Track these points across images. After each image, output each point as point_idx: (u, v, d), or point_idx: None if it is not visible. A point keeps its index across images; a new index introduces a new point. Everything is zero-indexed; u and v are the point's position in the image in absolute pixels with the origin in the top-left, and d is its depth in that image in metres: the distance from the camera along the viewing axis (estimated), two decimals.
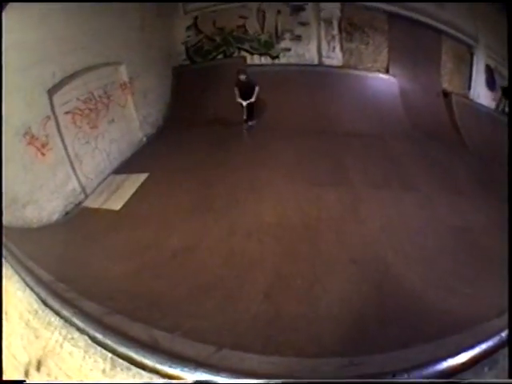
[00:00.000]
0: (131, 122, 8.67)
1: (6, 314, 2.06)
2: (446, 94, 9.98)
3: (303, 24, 9.98)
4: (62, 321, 1.90)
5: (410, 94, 9.86)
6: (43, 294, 2.03)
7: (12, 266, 2.28)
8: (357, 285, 3.67)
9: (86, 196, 6.87)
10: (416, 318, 3.00)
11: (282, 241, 4.73)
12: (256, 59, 10.36)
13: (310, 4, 9.82)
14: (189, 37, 10.48)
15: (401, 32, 9.92)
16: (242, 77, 8.81)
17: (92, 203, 6.60)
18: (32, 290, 2.07)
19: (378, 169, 6.99)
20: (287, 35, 10.10)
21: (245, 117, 8.90)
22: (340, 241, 4.80)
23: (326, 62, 9.99)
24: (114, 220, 5.86)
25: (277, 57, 10.22)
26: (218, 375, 1.60)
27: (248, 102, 8.76)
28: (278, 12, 10.01)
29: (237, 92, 8.81)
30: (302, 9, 9.88)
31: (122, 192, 6.71)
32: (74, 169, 6.80)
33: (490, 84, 10.16)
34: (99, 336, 1.78)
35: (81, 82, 7.17)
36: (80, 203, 6.70)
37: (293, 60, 10.13)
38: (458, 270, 4.35)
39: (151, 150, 8.36)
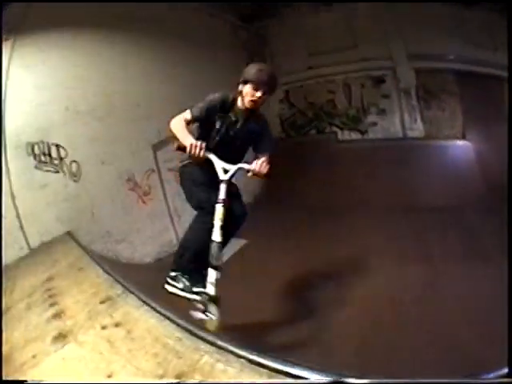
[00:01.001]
0: None
1: (129, 332, 2.26)
2: None
3: (385, 96, 10.32)
4: (213, 347, 2.10)
5: (487, 157, 9.48)
6: (191, 326, 2.28)
7: (138, 297, 2.59)
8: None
9: None
10: None
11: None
12: (346, 135, 10.76)
13: (389, 75, 10.18)
14: (283, 109, 11.24)
15: (470, 91, 9.86)
16: None
17: None
18: (171, 320, 2.33)
19: (456, 242, 6.76)
20: (373, 109, 10.44)
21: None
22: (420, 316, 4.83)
23: (410, 134, 10.17)
24: None
25: (365, 131, 10.54)
26: None
27: None
28: (362, 86, 10.47)
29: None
30: (382, 81, 10.28)
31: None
32: (172, 221, 7.15)
33: None
34: (255, 357, 1.98)
35: None
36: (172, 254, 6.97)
37: (380, 135, 10.41)
38: None
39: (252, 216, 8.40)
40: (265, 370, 1.91)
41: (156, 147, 6.89)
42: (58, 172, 5.69)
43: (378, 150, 9.99)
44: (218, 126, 3.41)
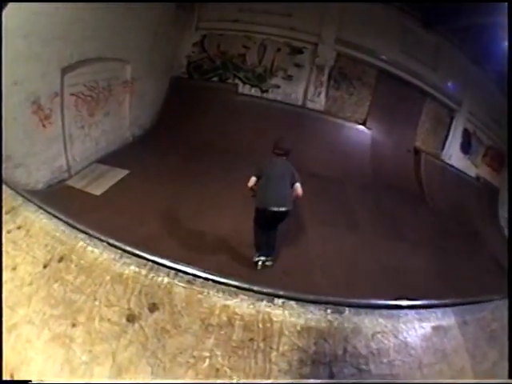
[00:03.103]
0: (123, 119, 8.97)
1: (28, 232, 2.64)
2: (417, 152, 10.92)
3: (298, 65, 10.73)
4: (86, 235, 2.58)
5: (382, 147, 10.68)
6: (71, 221, 2.68)
7: (36, 204, 2.87)
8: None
9: (70, 176, 7.11)
10: None
11: (229, 251, 5.60)
12: (247, 89, 11.06)
13: (308, 49, 10.60)
14: (193, 52, 11.16)
15: (386, 89, 10.79)
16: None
17: (75, 184, 6.90)
18: (59, 218, 2.72)
19: (328, 209, 7.68)
20: (280, 73, 10.84)
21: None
22: (279, 258, 5.59)
23: (309, 105, 10.77)
24: (94, 203, 6.29)
25: (266, 91, 10.92)
26: None
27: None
28: (278, 49, 10.76)
29: None
30: (300, 51, 10.67)
31: (104, 181, 7.11)
32: (65, 148, 7.03)
33: (465, 147, 11.34)
34: (113, 241, 2.52)
35: (91, 69, 7.38)
36: (63, 180, 6.90)
37: (279, 97, 10.86)
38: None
39: (135, 149, 8.86)
40: (119, 251, 2.48)
41: (65, 70, 6.66)
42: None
43: (274, 110, 10.48)
44: None
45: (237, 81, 11.12)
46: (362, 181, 9.57)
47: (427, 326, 2.39)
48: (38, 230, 2.67)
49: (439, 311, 2.49)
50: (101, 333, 2.18)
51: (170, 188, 7.19)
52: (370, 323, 2.31)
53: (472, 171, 11.49)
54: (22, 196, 2.97)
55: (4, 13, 3.99)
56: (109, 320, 2.21)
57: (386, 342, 2.27)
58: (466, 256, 7.54)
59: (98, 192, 6.76)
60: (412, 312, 2.42)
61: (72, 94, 7.06)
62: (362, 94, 10.92)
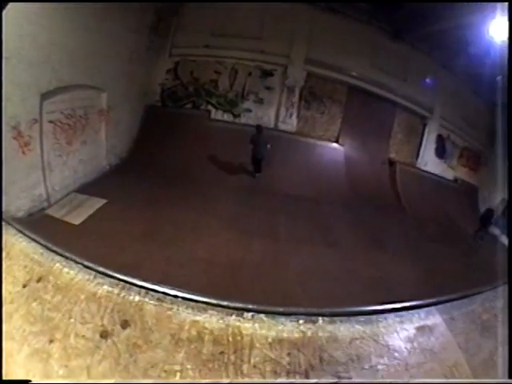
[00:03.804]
0: (100, 148, 9.00)
1: (8, 254, 2.80)
2: (391, 163, 11.15)
3: (268, 88, 10.98)
4: (63, 258, 2.76)
5: (356, 163, 10.90)
6: (49, 244, 2.87)
7: (15, 228, 3.06)
8: None
9: (49, 205, 7.10)
10: None
11: (208, 273, 5.73)
12: (219, 115, 11.21)
13: (278, 71, 10.86)
14: (167, 80, 11.29)
15: (357, 104, 11.06)
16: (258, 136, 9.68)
17: (54, 213, 6.95)
18: (37, 242, 2.91)
19: (304, 227, 7.81)
20: (251, 97, 11.06)
21: (253, 169, 9.91)
22: (256, 278, 5.73)
23: (281, 126, 11.00)
24: (73, 232, 6.34)
25: (238, 115, 11.11)
26: None
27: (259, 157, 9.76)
28: (249, 73, 10.99)
29: (251, 146, 9.61)
30: (270, 74, 10.93)
31: (83, 210, 7.15)
32: (44, 176, 7.02)
33: (440, 152, 11.61)
34: (89, 264, 2.72)
35: (69, 97, 7.44)
36: (42, 209, 6.90)
37: (251, 121, 10.95)
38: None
39: (112, 178, 8.95)
40: (93, 272, 2.67)
41: (44, 96, 6.71)
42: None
43: (246, 134, 10.43)
44: None
45: (209, 107, 11.26)
46: (339, 198, 9.73)
47: (410, 328, 2.44)
48: (17, 252, 2.85)
49: (422, 311, 2.56)
50: (76, 348, 2.30)
51: (147, 215, 7.32)
52: (347, 330, 2.37)
53: (449, 174, 11.79)
54: (4, 220, 3.14)
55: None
56: (83, 336, 2.34)
57: (365, 347, 2.31)
58: (450, 256, 7.76)
59: (76, 221, 6.81)
60: (391, 315, 2.49)
61: (50, 122, 7.11)
62: (332, 112, 11.17)
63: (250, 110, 11.13)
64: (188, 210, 7.66)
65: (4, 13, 4.01)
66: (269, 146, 9.56)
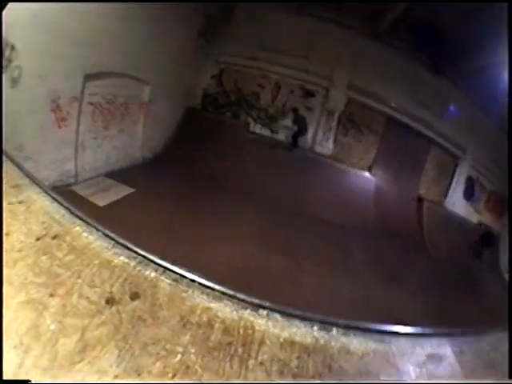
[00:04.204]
0: (135, 139, 9.15)
1: (28, 208, 2.77)
2: (420, 199, 10.94)
3: (309, 109, 11.00)
4: (84, 222, 2.73)
5: (386, 195, 10.77)
6: (73, 208, 2.84)
7: (41, 187, 3.04)
8: None
9: (76, 182, 7.16)
10: None
11: (225, 276, 5.54)
12: (258, 128, 11.27)
13: (320, 92, 10.91)
14: (210, 85, 11.45)
15: (393, 136, 11.01)
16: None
17: (80, 190, 6.96)
18: (60, 203, 2.88)
19: (326, 250, 7.71)
20: (291, 115, 11.06)
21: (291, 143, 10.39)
22: (271, 291, 5.54)
23: (317, 149, 10.95)
24: (95, 211, 6.25)
25: (276, 132, 11.15)
26: None
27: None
28: (292, 92, 11.05)
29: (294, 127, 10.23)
30: (312, 95, 10.98)
31: (109, 194, 7.19)
32: (76, 154, 7.14)
33: (469, 194, 11.37)
34: (110, 233, 2.71)
35: (111, 83, 7.62)
36: (68, 185, 6.94)
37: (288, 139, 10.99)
38: None
39: (143, 171, 9.06)
40: (112, 241, 2.64)
41: (87, 78, 6.85)
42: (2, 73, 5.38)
43: (281, 151, 10.68)
44: None
45: (249, 119, 11.34)
46: (364, 227, 9.59)
47: (421, 354, 2.37)
48: (38, 208, 2.81)
49: (434, 340, 2.49)
50: (76, 308, 2.20)
51: (171, 211, 7.27)
52: (359, 344, 2.30)
53: (474, 217, 11.45)
54: (29, 177, 3.12)
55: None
56: (87, 298, 2.24)
57: (375, 364, 2.24)
58: (465, 300, 7.50)
59: (101, 203, 6.82)
60: (405, 339, 2.43)
61: (90, 103, 7.27)
62: (369, 141, 11.11)
63: (288, 128, 11.10)
64: (213, 215, 7.58)
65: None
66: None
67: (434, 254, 9.68)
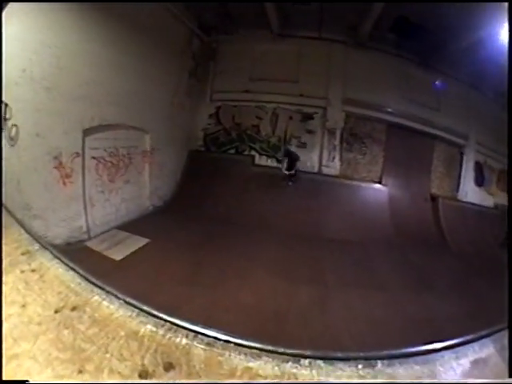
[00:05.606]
0: (143, 188, 9.15)
1: (41, 277, 2.66)
2: (433, 198, 10.82)
3: (310, 132, 10.99)
4: (103, 291, 2.59)
5: (399, 202, 10.64)
6: (89, 276, 2.71)
7: (53, 253, 2.93)
8: None
9: (89, 238, 7.17)
10: None
11: (253, 319, 5.38)
12: (263, 160, 11.26)
13: (319, 113, 10.91)
14: (209, 125, 11.54)
15: (397, 141, 10.96)
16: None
17: (94, 246, 6.95)
18: (75, 271, 2.76)
19: (350, 272, 7.50)
20: (294, 141, 11.07)
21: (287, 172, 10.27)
22: (302, 324, 5.39)
23: (325, 170, 10.88)
24: (114, 266, 6.30)
25: (281, 160, 10.93)
26: None
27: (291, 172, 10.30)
28: (290, 118, 11.09)
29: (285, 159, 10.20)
30: (311, 117, 10.97)
31: (124, 247, 7.09)
32: (85, 209, 7.16)
33: (479, 180, 11.27)
34: (132, 301, 2.52)
35: (111, 135, 7.69)
36: (82, 241, 6.96)
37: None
38: None
39: (155, 219, 9.03)
40: (136, 309, 2.48)
41: (86, 132, 6.95)
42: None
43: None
44: None
45: (253, 152, 11.35)
46: (384, 239, 9.43)
47: (466, 362, 2.28)
48: (52, 278, 2.70)
49: (476, 345, 2.40)
50: None
51: (189, 258, 7.15)
52: (405, 372, 2.19)
53: (490, 201, 11.35)
54: (39, 243, 3.03)
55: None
56: (119, 373, 2.10)
57: None
58: (496, 289, 7.16)
59: (117, 257, 6.74)
60: (448, 352, 2.32)
61: (93, 158, 7.32)
62: (374, 152, 11.08)
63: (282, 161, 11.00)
64: (231, 255, 7.45)
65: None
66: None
67: (458, 250, 9.50)
